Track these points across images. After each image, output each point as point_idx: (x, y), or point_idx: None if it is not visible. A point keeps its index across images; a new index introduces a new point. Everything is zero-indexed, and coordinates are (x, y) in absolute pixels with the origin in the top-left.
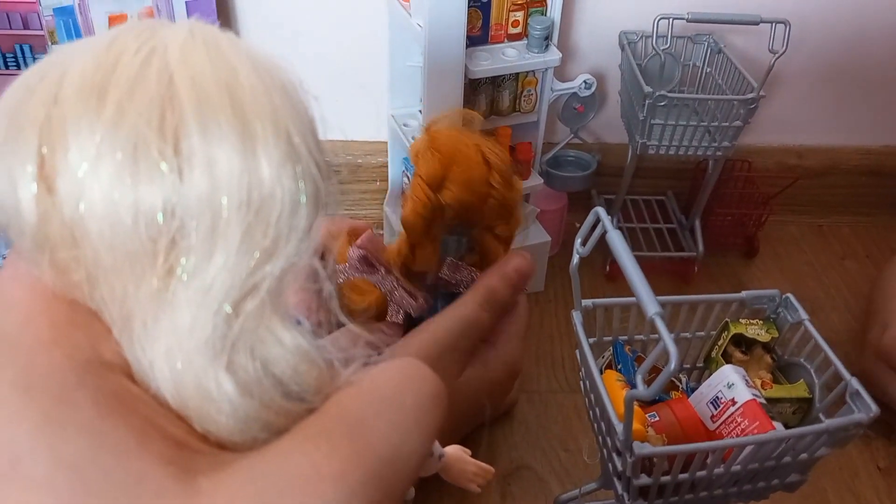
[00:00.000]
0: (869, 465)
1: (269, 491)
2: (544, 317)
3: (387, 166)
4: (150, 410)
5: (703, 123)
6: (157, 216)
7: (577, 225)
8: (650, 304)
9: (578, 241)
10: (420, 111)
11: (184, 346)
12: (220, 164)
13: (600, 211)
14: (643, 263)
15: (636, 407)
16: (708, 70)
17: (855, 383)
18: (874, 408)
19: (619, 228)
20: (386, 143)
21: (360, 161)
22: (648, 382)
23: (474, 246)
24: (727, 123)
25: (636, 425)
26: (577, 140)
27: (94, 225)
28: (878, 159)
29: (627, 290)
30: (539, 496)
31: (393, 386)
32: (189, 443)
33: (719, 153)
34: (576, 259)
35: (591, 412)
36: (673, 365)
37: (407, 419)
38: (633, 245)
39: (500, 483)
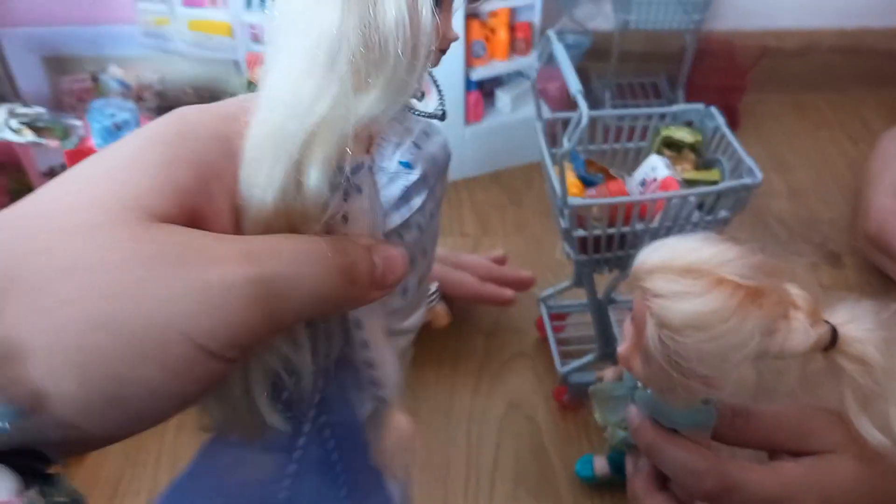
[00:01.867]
0: (813, 282)
1: (188, 244)
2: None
3: None
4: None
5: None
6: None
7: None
8: (573, 84)
9: (536, 60)
10: None
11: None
12: None
13: (550, 33)
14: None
15: (577, 182)
16: None
17: (750, 162)
18: (759, 176)
19: (614, 105)
20: None
21: None
22: (591, 174)
23: None
24: None
25: (574, 190)
26: (575, 26)
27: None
28: (855, 39)
29: None
30: (529, 305)
31: (324, 243)
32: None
33: (692, 26)
34: (534, 75)
35: (552, 203)
36: (584, 120)
37: (308, 265)
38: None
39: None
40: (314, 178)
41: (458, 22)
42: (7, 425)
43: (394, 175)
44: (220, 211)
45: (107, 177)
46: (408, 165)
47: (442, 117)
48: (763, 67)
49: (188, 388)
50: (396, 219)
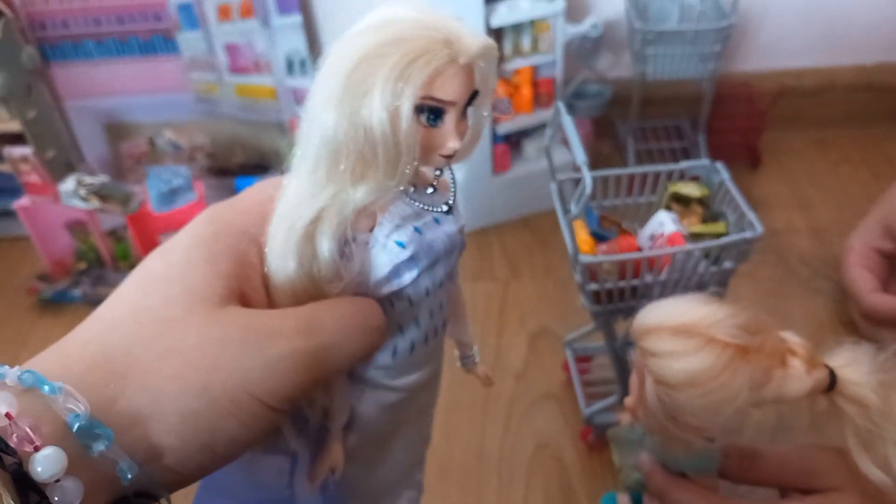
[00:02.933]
0: (834, 320)
1: (248, 326)
2: None
3: None
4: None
5: (688, 51)
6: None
7: (604, 152)
8: (579, 155)
9: (549, 129)
10: None
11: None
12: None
13: (559, 105)
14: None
15: (589, 238)
16: (701, 8)
17: (751, 216)
18: (760, 229)
19: (637, 150)
20: None
21: None
22: (605, 228)
23: None
24: (709, 48)
25: (585, 248)
26: (595, 77)
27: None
28: (873, 75)
29: None
30: (557, 347)
31: (354, 306)
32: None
33: (707, 75)
34: (547, 138)
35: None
36: (588, 190)
37: (351, 330)
38: (649, 161)
39: (528, 339)
40: (325, 246)
41: None
42: (130, 476)
43: (386, 251)
44: (256, 288)
45: (172, 278)
46: (401, 245)
47: (448, 211)
48: (783, 106)
49: (254, 435)
50: (386, 289)
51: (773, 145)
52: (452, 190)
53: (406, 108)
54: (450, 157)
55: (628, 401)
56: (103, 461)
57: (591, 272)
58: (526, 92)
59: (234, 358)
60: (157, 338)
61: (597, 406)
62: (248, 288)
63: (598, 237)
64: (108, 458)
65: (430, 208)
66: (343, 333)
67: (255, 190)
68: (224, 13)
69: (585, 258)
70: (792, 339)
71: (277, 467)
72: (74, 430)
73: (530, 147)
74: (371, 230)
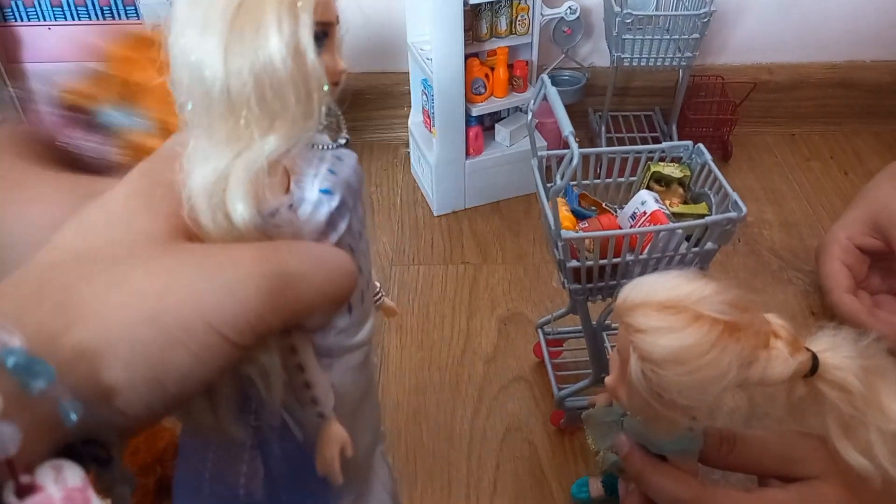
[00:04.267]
0: (805, 310)
1: (203, 252)
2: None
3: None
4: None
5: (665, 37)
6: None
7: (577, 140)
8: (566, 126)
9: (531, 102)
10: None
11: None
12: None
13: (545, 77)
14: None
15: (570, 215)
16: None
17: (734, 196)
18: (744, 209)
19: (609, 138)
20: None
21: (389, 90)
22: (585, 207)
23: None
24: (686, 36)
25: (567, 224)
26: (572, 64)
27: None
28: (844, 73)
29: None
30: (528, 331)
31: (320, 247)
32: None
33: (684, 63)
34: (530, 116)
35: (547, 235)
36: (575, 160)
37: (318, 265)
38: None
39: (498, 324)
40: (240, 210)
41: (446, 60)
42: (74, 417)
43: (317, 203)
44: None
45: (112, 223)
46: (328, 192)
47: (346, 144)
48: (757, 100)
49: (209, 373)
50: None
51: (745, 139)
52: (343, 122)
53: (306, 37)
54: (337, 84)
55: (609, 380)
56: (44, 402)
57: (572, 249)
58: (501, 74)
59: (188, 283)
60: (101, 272)
61: (569, 389)
62: (193, 235)
63: (579, 215)
64: (49, 398)
65: (331, 146)
66: (310, 264)
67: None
68: None
69: (568, 234)
70: (776, 321)
71: (236, 460)
72: (9, 366)
73: (504, 130)
74: (287, 191)
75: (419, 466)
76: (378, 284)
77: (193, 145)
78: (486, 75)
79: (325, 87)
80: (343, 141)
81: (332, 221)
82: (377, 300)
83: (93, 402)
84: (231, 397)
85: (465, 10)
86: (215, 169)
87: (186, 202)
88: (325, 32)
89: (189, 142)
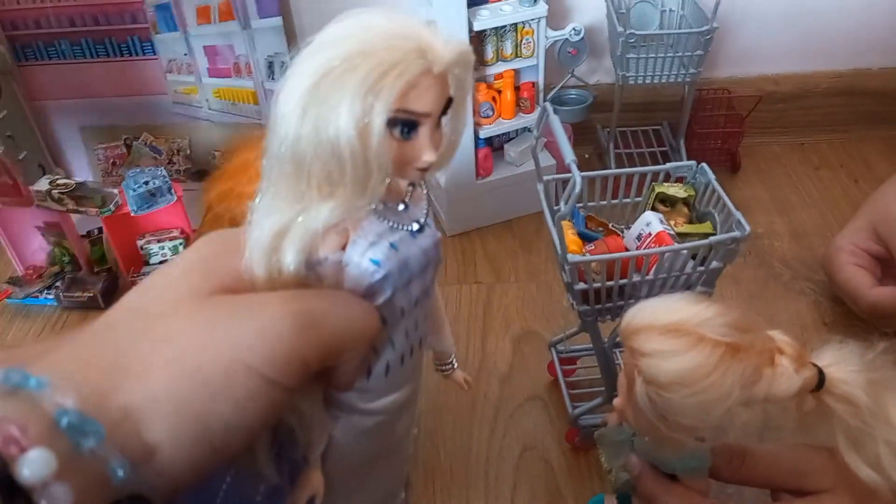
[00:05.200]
0: (817, 321)
1: (236, 302)
2: None
3: None
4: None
5: (669, 55)
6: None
7: (585, 156)
8: (568, 154)
9: (535, 128)
10: None
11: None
12: None
13: (547, 105)
14: (641, 178)
15: (576, 238)
16: (682, 13)
17: (738, 215)
18: (748, 228)
19: (618, 154)
20: None
21: None
22: (592, 228)
23: None
24: (690, 53)
25: (573, 248)
26: (578, 82)
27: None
28: (850, 81)
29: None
30: (542, 349)
31: (347, 296)
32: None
33: (688, 79)
34: (534, 139)
35: (555, 254)
36: (577, 188)
37: (341, 304)
38: (630, 165)
39: (513, 342)
40: (288, 259)
41: None
42: (122, 474)
43: (361, 269)
44: None
45: (168, 284)
46: (377, 263)
47: (420, 230)
48: (763, 111)
49: (253, 420)
50: None
51: (753, 150)
52: (425, 204)
53: (377, 123)
54: (425, 170)
55: (617, 402)
56: (94, 461)
57: (579, 272)
58: (508, 96)
59: (224, 331)
60: (145, 331)
61: (583, 407)
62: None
63: (586, 237)
64: (98, 457)
65: (401, 226)
66: (333, 303)
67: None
68: (203, 15)
69: (574, 258)
70: (780, 337)
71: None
72: (63, 426)
73: (512, 151)
74: (344, 248)
75: (437, 488)
76: (453, 356)
77: (261, 199)
78: (494, 98)
79: (387, 177)
80: (415, 227)
81: (370, 291)
82: (445, 371)
83: (139, 462)
84: (267, 438)
85: (470, 37)
86: (278, 222)
87: (246, 251)
88: (412, 121)
89: (258, 196)
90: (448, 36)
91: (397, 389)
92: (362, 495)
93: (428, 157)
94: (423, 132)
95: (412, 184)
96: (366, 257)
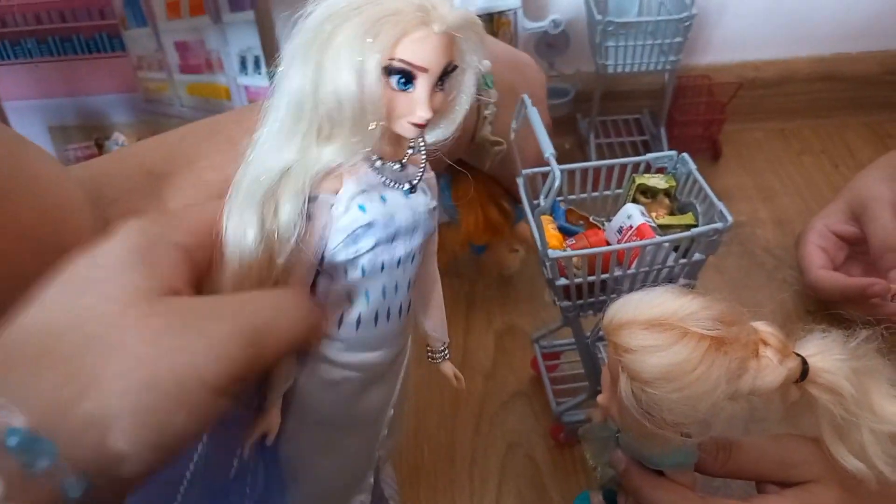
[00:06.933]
0: (800, 309)
1: (187, 311)
2: None
3: None
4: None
5: (648, 42)
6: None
7: (566, 147)
8: (547, 147)
9: (513, 121)
10: None
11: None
12: None
13: (525, 97)
14: (621, 169)
15: (557, 233)
16: (661, 0)
17: (720, 205)
18: (730, 219)
19: (599, 144)
20: None
21: None
22: (573, 222)
23: None
24: (669, 40)
25: (553, 243)
26: (555, 73)
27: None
28: (831, 66)
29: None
30: (525, 344)
31: (282, 296)
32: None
33: (668, 67)
34: (513, 136)
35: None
36: (556, 182)
37: (282, 314)
38: (610, 155)
39: (495, 338)
40: (287, 207)
41: None
42: (77, 495)
43: (349, 214)
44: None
45: (106, 278)
46: (363, 209)
47: (410, 189)
48: (745, 98)
49: (200, 427)
50: (343, 254)
51: (734, 137)
52: (422, 168)
53: (371, 64)
54: (420, 127)
55: (601, 398)
56: (47, 480)
57: (560, 267)
58: None
59: (179, 344)
60: (97, 336)
61: (567, 404)
62: (181, 286)
63: (566, 231)
64: (52, 476)
65: (394, 184)
66: (279, 314)
67: (198, 209)
68: (173, 9)
69: (554, 253)
70: (764, 328)
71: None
72: (11, 446)
73: None
74: (337, 192)
75: (422, 488)
76: (446, 345)
77: (263, 139)
78: None
79: (380, 120)
80: (406, 186)
81: (354, 236)
82: (436, 359)
83: (100, 472)
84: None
85: None
86: (282, 160)
87: (233, 201)
88: (407, 72)
89: (259, 135)
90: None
91: (368, 349)
92: (327, 465)
93: (422, 112)
94: (421, 86)
95: (412, 146)
96: (354, 202)
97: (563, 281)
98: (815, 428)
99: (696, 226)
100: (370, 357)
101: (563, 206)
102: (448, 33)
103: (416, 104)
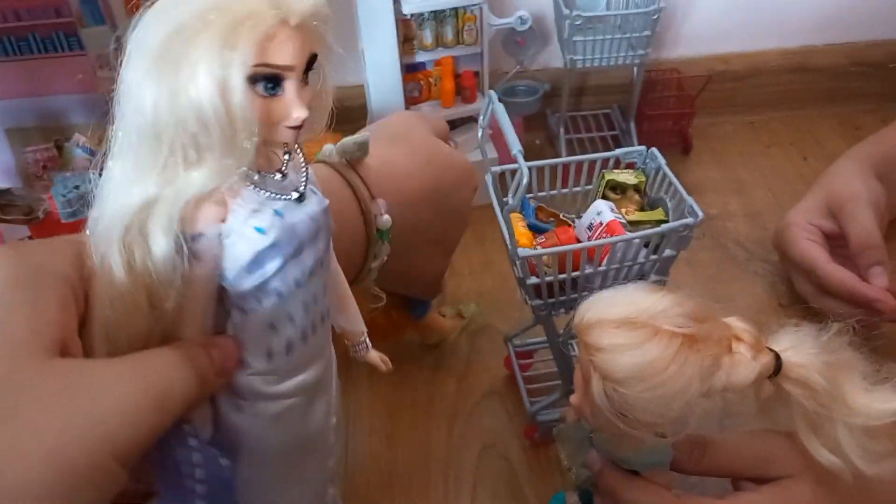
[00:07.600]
0: (772, 301)
1: (84, 373)
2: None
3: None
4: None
5: (617, 36)
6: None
7: (536, 143)
8: (514, 144)
9: (481, 117)
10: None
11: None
12: None
13: (492, 93)
14: (590, 165)
15: (527, 231)
16: None
17: (690, 201)
18: (701, 214)
19: (569, 139)
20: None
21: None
22: (543, 219)
23: None
24: (638, 34)
25: (523, 241)
26: (525, 71)
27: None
28: (800, 58)
29: None
30: (498, 342)
31: (179, 348)
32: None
33: (637, 60)
34: (480, 132)
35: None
36: (524, 180)
37: (183, 368)
38: (581, 150)
39: (468, 338)
40: (160, 243)
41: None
42: None
43: (246, 239)
44: (74, 336)
45: None
46: (261, 231)
47: (299, 199)
48: (714, 91)
49: (107, 497)
50: (249, 282)
51: (704, 130)
52: (304, 171)
53: (236, 78)
54: (298, 128)
55: (574, 399)
56: None
57: (531, 266)
58: (447, 85)
59: (82, 413)
60: None
61: (541, 403)
62: (69, 335)
63: (536, 229)
64: None
65: (279, 196)
66: (176, 373)
67: (65, 239)
68: (133, 6)
69: (524, 252)
70: (737, 324)
71: None
72: None
73: (455, 140)
74: (223, 221)
75: (397, 491)
76: (364, 334)
77: (117, 170)
78: (430, 87)
79: (253, 136)
80: (294, 196)
81: (257, 260)
82: (359, 351)
83: None
84: None
85: (404, 20)
86: (140, 194)
87: (94, 241)
88: (274, 76)
89: (110, 167)
90: None
91: (304, 369)
92: (291, 492)
93: (298, 112)
94: (290, 87)
95: (288, 152)
96: (248, 225)
97: (533, 280)
98: (789, 423)
99: (666, 221)
100: (307, 378)
101: (532, 204)
102: (304, 23)
103: (289, 106)
